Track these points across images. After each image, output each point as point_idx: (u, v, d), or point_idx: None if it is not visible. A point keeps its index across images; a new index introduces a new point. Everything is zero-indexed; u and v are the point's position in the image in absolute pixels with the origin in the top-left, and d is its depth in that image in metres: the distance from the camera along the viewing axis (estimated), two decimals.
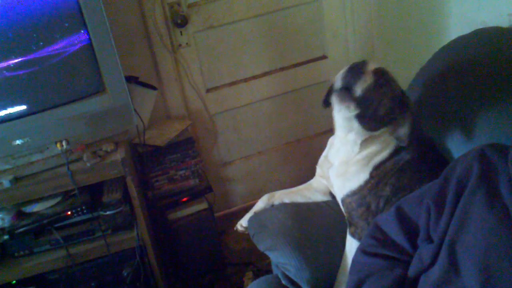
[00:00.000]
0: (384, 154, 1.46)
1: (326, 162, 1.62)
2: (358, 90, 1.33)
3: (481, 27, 1.58)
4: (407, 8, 2.22)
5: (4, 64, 1.57)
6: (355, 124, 1.41)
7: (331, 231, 1.58)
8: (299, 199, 1.73)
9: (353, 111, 1.36)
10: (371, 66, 1.37)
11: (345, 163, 1.51)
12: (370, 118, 1.38)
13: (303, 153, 2.75)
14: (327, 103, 1.48)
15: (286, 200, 1.72)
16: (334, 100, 1.40)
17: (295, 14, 2.44)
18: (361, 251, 1.27)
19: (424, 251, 1.10)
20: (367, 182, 1.45)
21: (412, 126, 1.40)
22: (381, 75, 1.36)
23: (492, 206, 1.01)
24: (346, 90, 1.35)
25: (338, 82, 1.39)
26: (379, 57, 2.55)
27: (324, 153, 1.66)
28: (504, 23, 1.60)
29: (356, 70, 1.35)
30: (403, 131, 1.41)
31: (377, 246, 1.23)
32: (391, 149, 1.46)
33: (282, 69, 2.54)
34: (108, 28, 1.63)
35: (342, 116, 1.43)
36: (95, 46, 1.65)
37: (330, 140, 1.64)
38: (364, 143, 1.46)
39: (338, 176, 1.52)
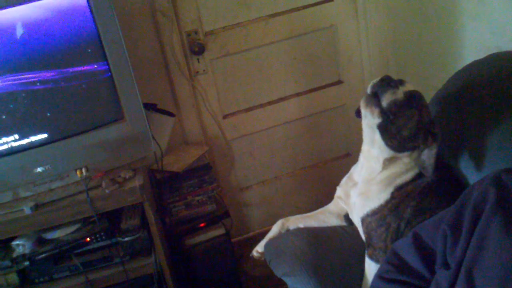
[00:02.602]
0: (407, 176, 1.45)
1: (349, 181, 1.61)
2: (384, 100, 1.34)
3: (495, 51, 1.58)
4: (422, 33, 2.23)
5: (27, 76, 1.62)
6: (377, 136, 1.40)
7: (347, 256, 1.57)
8: (313, 223, 1.72)
9: (376, 118, 1.36)
10: (407, 87, 1.37)
11: (367, 182, 1.50)
12: (392, 135, 1.37)
13: (319, 178, 2.75)
14: (359, 113, 1.46)
15: (301, 225, 1.72)
16: (361, 104, 1.40)
17: (311, 40, 2.47)
18: (378, 277, 1.26)
19: (442, 277, 1.09)
20: (388, 202, 1.44)
21: (437, 157, 1.39)
22: (414, 98, 1.36)
23: (509, 231, 1.00)
24: (374, 97, 1.36)
25: (369, 89, 1.39)
26: None
27: (347, 175, 1.65)
28: None
29: (388, 82, 1.36)
30: (428, 161, 1.39)
31: (395, 272, 1.22)
32: (415, 173, 1.45)
33: (298, 94, 2.56)
34: (127, 58, 1.68)
35: (366, 123, 1.42)
36: (114, 76, 1.69)
37: (353, 167, 1.64)
38: (387, 163, 1.45)
39: (359, 194, 1.52)
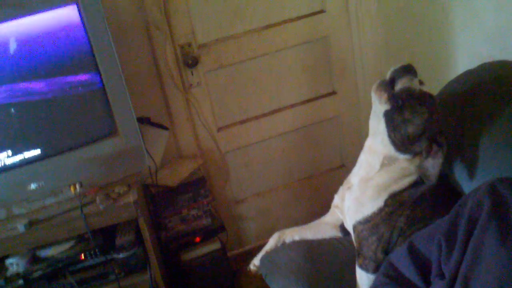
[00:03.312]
0: (403, 183, 1.43)
1: (346, 183, 1.60)
2: (399, 84, 1.34)
3: (488, 60, 1.58)
4: (415, 43, 2.24)
5: (19, 87, 1.62)
6: (382, 127, 1.39)
7: (342, 268, 1.56)
8: (309, 235, 1.71)
9: (383, 104, 1.36)
10: (426, 89, 1.37)
11: (363, 183, 1.48)
12: (397, 127, 1.36)
13: (315, 190, 2.74)
14: None
15: (297, 237, 1.71)
16: (372, 89, 1.40)
17: (304, 51, 2.48)
18: None
19: None
20: (381, 210, 1.43)
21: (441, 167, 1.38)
22: (429, 98, 1.36)
23: (505, 240, 1.00)
24: (387, 83, 1.37)
25: (388, 74, 1.39)
26: None
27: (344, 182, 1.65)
28: (510, 56, 1.61)
29: (409, 69, 1.36)
30: (432, 170, 1.38)
31: (390, 283, 1.22)
32: (411, 180, 1.44)
33: (292, 106, 2.56)
34: (120, 71, 1.68)
35: (373, 111, 1.42)
36: (107, 90, 1.69)
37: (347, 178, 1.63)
38: (386, 162, 1.44)
39: (354, 199, 1.50)
